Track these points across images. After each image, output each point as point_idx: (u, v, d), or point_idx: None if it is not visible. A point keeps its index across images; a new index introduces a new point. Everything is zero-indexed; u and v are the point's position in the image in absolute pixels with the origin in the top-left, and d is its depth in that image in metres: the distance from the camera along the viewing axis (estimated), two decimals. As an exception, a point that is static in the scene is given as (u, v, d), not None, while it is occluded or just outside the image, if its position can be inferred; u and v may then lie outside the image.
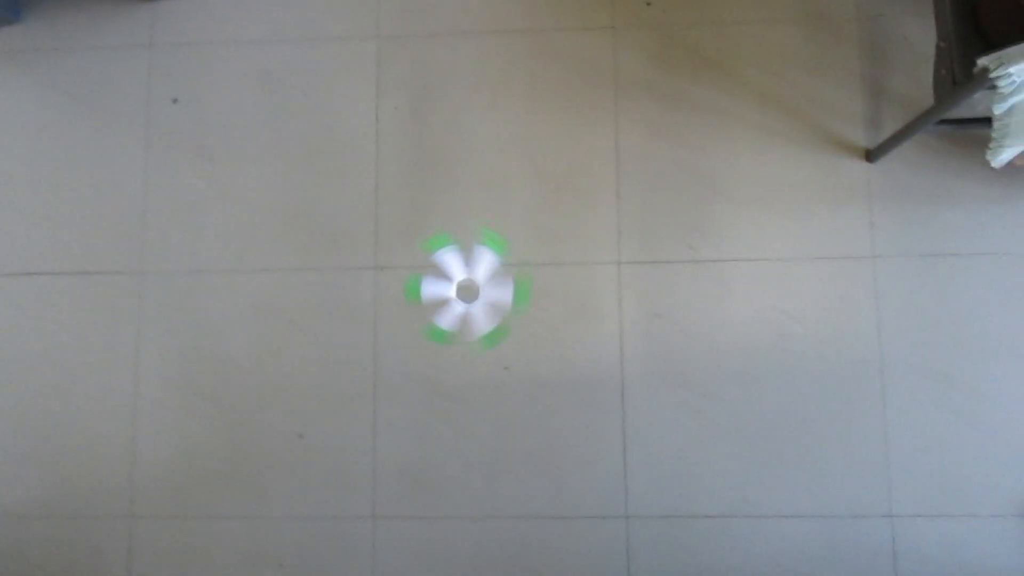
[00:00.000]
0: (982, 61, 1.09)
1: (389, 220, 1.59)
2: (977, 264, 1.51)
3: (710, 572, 1.47)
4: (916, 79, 1.56)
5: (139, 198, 1.63)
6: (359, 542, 1.52)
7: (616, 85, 1.60)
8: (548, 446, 1.52)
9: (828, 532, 1.47)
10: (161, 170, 1.63)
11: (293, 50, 1.66)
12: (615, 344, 1.53)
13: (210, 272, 1.60)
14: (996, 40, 1.16)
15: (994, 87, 1.09)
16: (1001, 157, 1.22)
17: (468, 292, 1.53)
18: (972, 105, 1.21)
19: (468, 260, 1.53)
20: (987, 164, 1.24)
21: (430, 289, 1.55)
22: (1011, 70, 1.05)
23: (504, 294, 1.51)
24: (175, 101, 1.65)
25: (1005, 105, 1.12)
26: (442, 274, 1.54)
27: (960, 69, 1.19)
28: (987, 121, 1.19)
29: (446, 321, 1.54)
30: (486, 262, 1.51)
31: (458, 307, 1.54)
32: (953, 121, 1.34)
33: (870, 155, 1.54)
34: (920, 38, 1.57)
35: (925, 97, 1.35)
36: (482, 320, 1.52)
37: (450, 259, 1.52)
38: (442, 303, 1.55)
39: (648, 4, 1.63)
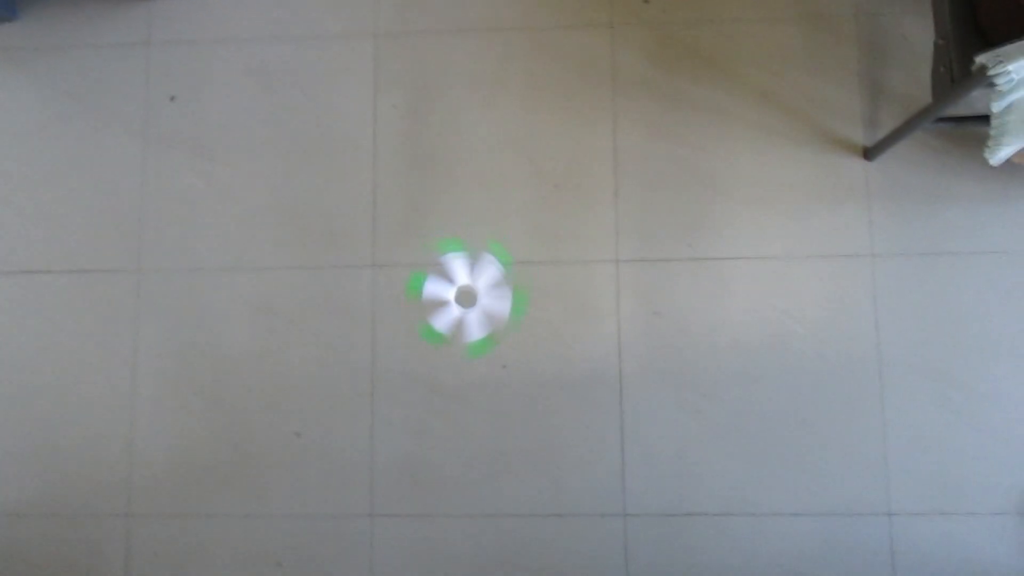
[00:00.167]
0: (980, 59, 1.09)
1: (387, 218, 1.59)
2: (975, 262, 1.51)
3: (708, 570, 1.47)
4: (914, 77, 1.56)
5: (137, 196, 1.63)
6: (357, 540, 1.52)
7: (614, 83, 1.60)
8: (546, 444, 1.51)
9: (827, 530, 1.47)
10: (159, 168, 1.63)
11: (291, 48, 1.65)
12: (613, 342, 1.53)
13: (208, 270, 1.59)
14: (994, 38, 1.16)
15: (992, 85, 1.09)
16: (999, 155, 1.22)
17: (467, 298, 1.54)
18: (970, 103, 1.21)
19: (473, 267, 1.53)
20: (985, 162, 1.24)
21: (432, 288, 1.55)
22: (1009, 67, 1.05)
23: (500, 307, 1.52)
24: (173, 99, 1.65)
25: (1003, 103, 1.12)
26: (446, 276, 1.54)
27: (958, 67, 1.19)
28: (985, 119, 1.19)
29: (441, 322, 1.54)
30: (489, 273, 1.51)
31: (455, 311, 1.54)
32: (951, 119, 1.34)
33: (868, 153, 1.54)
34: (918, 36, 1.57)
35: (923, 95, 1.35)
36: (474, 328, 1.53)
37: (457, 263, 1.52)
38: (440, 304, 1.55)
39: (646, 2, 1.63)
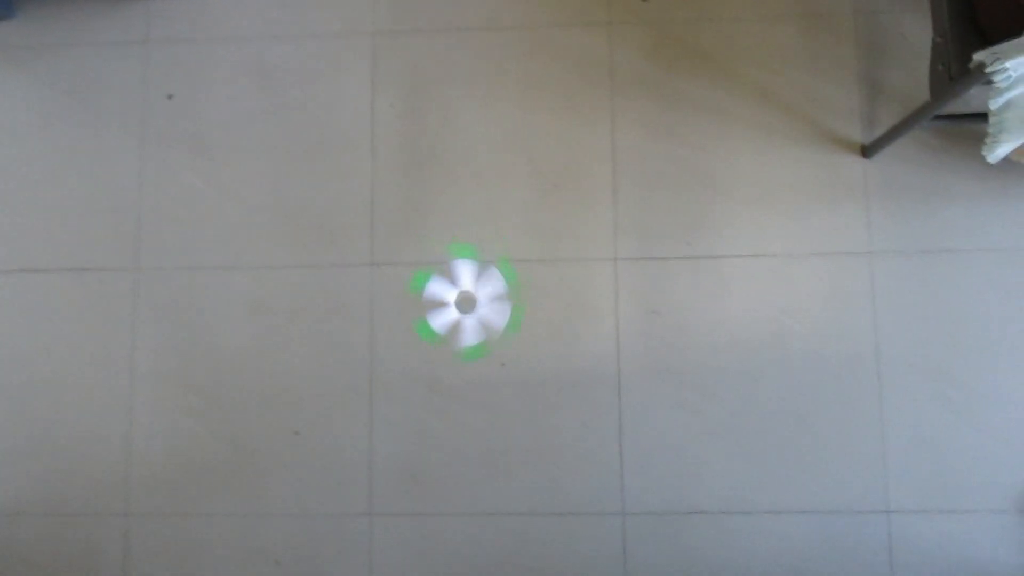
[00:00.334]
0: (978, 56, 1.09)
1: (385, 217, 1.59)
2: (973, 260, 1.51)
3: (707, 568, 1.47)
4: (913, 75, 1.56)
5: (134, 194, 1.62)
6: (356, 539, 1.52)
7: (613, 81, 1.60)
8: (545, 443, 1.51)
9: (825, 528, 1.47)
10: (156, 166, 1.63)
11: (288, 46, 1.65)
12: (612, 341, 1.53)
13: (205, 268, 1.59)
14: (992, 36, 1.16)
15: (990, 82, 1.09)
16: (997, 152, 1.22)
17: (467, 304, 1.54)
18: (968, 100, 1.21)
19: (479, 277, 1.54)
20: (983, 159, 1.24)
21: (435, 288, 1.55)
22: (1007, 65, 1.05)
23: (496, 320, 1.52)
24: (170, 97, 1.65)
25: (1001, 100, 1.12)
26: (451, 279, 1.54)
27: (956, 64, 1.19)
28: (983, 116, 1.19)
29: (437, 322, 1.54)
30: (493, 286, 1.52)
31: (453, 314, 1.54)
32: (949, 117, 1.34)
33: (867, 151, 1.54)
34: (916, 34, 1.57)
35: (922, 93, 1.35)
36: (468, 334, 1.53)
37: (464, 269, 1.53)
38: (440, 304, 1.55)
39: (645, 1, 1.62)
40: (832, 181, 1.55)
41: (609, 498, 1.50)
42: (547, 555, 1.49)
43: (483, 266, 1.54)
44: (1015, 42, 1.05)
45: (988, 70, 1.07)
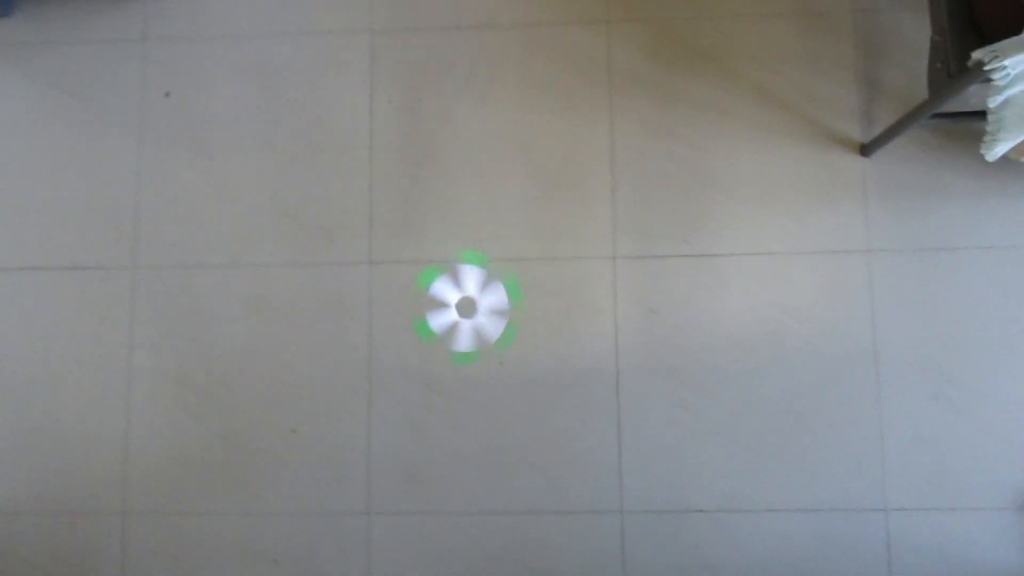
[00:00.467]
0: (976, 54, 1.09)
1: (383, 215, 1.59)
2: (971, 258, 1.51)
3: (705, 566, 1.47)
4: (911, 73, 1.56)
5: (132, 193, 1.62)
6: (354, 538, 1.52)
7: (610, 79, 1.60)
8: (543, 441, 1.51)
9: (823, 526, 1.47)
10: (154, 164, 1.63)
11: (286, 44, 1.65)
12: (610, 339, 1.53)
13: (203, 267, 1.59)
14: (991, 34, 1.16)
15: (988, 80, 1.09)
16: (996, 150, 1.22)
17: (467, 309, 1.54)
18: (966, 99, 1.21)
19: (484, 286, 1.54)
20: (982, 158, 1.24)
21: (439, 288, 1.55)
22: (1005, 63, 1.05)
23: (494, 328, 1.52)
24: (168, 95, 1.65)
25: (999, 98, 1.12)
26: (456, 281, 1.54)
27: (955, 63, 1.19)
28: (981, 115, 1.19)
29: (435, 321, 1.54)
30: (496, 297, 1.52)
31: (452, 315, 1.54)
32: (947, 115, 1.34)
33: (865, 149, 1.54)
34: (915, 32, 1.57)
35: (920, 91, 1.35)
36: (463, 337, 1.53)
37: (471, 275, 1.53)
38: (439, 305, 1.55)
39: (643, -2, 1.63)
40: (831, 179, 1.55)
41: (608, 497, 1.50)
42: (546, 554, 1.49)
43: (489, 275, 1.54)
44: (1013, 40, 1.05)
45: (986, 68, 1.07)
